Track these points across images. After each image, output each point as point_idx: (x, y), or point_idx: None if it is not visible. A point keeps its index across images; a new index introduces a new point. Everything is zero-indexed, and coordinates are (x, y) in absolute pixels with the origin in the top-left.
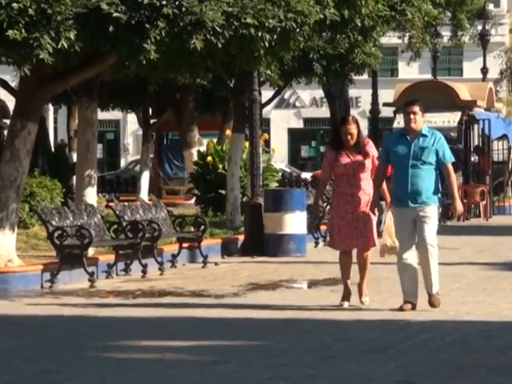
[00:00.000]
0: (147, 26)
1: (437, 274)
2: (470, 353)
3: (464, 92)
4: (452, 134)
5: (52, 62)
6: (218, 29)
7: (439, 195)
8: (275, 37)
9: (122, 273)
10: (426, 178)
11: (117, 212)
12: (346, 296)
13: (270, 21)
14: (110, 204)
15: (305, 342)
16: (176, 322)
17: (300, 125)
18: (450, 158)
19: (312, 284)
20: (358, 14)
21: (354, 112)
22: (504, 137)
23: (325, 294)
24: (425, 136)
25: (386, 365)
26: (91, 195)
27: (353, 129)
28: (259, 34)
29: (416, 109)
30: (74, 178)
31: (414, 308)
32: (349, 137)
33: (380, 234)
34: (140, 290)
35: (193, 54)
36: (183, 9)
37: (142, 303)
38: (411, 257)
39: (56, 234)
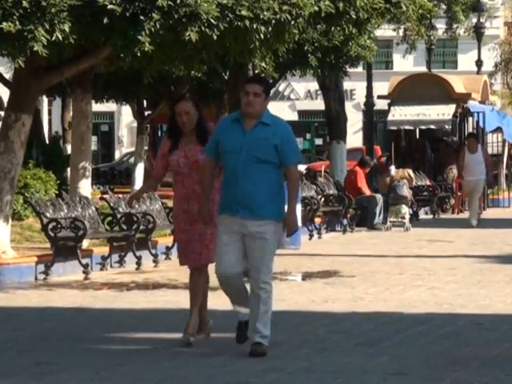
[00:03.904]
0: (142, 17)
1: (268, 321)
2: (464, 345)
3: (458, 85)
4: (446, 127)
5: (46, 54)
6: (212, 21)
7: (283, 207)
8: (270, 29)
9: (117, 265)
10: (262, 182)
11: (111, 204)
12: (194, 326)
13: (265, 13)
14: (105, 196)
15: (299, 335)
16: (170, 314)
17: (295, 117)
18: (295, 158)
19: (306, 276)
20: (352, 7)
21: (348, 104)
22: (498, 130)
23: (319, 286)
24: (265, 125)
25: (379, 357)
26: (85, 187)
27: (188, 107)
28: (254, 26)
29: (258, 89)
30: (69, 169)
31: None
32: (184, 118)
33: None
34: (134, 282)
35: (187, 46)
36: (178, 1)
37: (136, 295)
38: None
39: (50, 226)
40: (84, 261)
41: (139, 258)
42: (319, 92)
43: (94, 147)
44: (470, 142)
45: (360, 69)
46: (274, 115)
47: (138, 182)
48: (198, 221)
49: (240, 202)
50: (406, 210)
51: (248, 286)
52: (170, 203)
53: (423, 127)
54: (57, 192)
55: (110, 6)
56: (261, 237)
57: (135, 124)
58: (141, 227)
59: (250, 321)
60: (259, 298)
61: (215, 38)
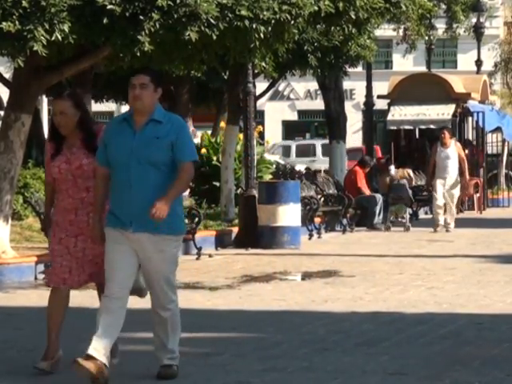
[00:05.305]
0: (141, 17)
1: (176, 343)
2: (464, 345)
3: (458, 84)
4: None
5: (46, 53)
6: (212, 21)
7: (183, 218)
8: (270, 29)
9: None
10: (158, 189)
11: None
12: (50, 354)
13: (265, 13)
14: None
15: (299, 335)
16: None
17: (294, 117)
18: (191, 155)
19: (306, 276)
20: (352, 6)
21: (348, 104)
22: (498, 129)
23: (319, 286)
24: (157, 122)
25: (379, 357)
26: None
27: (64, 106)
28: (254, 25)
29: (145, 79)
30: None
31: (100, 371)
32: (59, 118)
33: None
34: None
35: (187, 46)
36: (177, 1)
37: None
38: (122, 302)
39: None
40: None
41: None
42: (319, 92)
43: None
44: (442, 135)
45: (360, 69)
46: (167, 112)
47: None
48: (88, 236)
49: (133, 215)
50: (405, 209)
51: None
52: None
53: (423, 127)
54: None
55: (109, 6)
56: (159, 252)
57: None
58: None
59: (157, 343)
60: (166, 323)
61: (215, 37)
